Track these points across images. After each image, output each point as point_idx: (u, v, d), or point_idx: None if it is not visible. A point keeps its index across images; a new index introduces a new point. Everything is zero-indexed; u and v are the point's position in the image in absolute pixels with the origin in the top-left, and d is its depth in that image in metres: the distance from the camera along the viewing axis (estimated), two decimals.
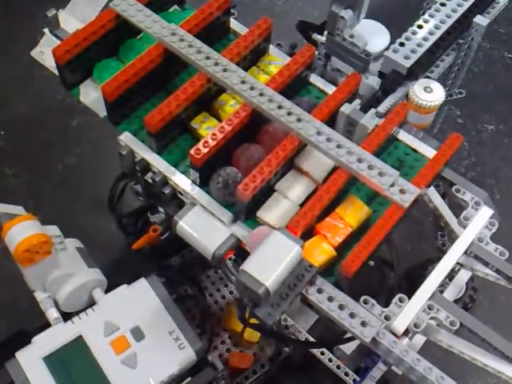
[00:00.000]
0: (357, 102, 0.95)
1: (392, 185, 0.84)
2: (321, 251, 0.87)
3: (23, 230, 0.88)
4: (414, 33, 1.00)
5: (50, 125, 1.69)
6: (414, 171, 0.97)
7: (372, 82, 1.01)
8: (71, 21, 1.14)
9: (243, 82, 0.91)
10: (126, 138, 0.98)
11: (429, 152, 0.98)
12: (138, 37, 1.06)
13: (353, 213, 0.90)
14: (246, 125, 0.92)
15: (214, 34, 1.05)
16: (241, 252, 0.91)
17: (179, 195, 0.97)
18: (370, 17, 1.09)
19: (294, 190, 0.92)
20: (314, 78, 1.05)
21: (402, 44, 0.98)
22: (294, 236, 0.82)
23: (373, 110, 0.94)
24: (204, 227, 0.90)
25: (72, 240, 1.01)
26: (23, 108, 1.71)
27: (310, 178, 0.93)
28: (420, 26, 1.01)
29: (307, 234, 0.88)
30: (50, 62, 1.19)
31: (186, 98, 0.93)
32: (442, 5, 1.03)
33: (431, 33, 1.00)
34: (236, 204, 0.90)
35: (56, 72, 1.14)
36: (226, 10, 1.05)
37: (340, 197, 0.91)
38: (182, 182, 0.95)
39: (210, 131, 0.94)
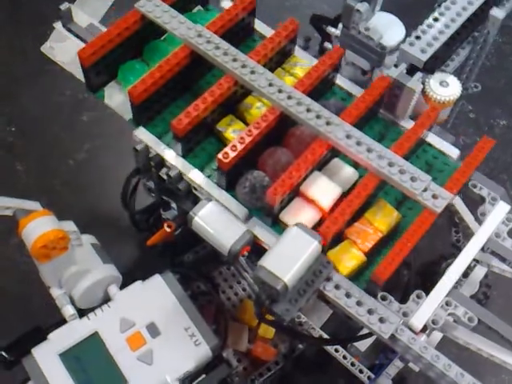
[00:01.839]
0: (403, 66, 0.94)
1: (424, 190, 0.83)
2: (350, 257, 0.86)
3: (40, 226, 0.88)
4: (429, 26, 0.98)
5: (60, 120, 1.68)
6: (443, 175, 0.96)
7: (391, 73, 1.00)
8: (81, 15, 1.14)
9: (271, 85, 0.90)
10: (140, 133, 0.98)
11: (454, 154, 0.98)
12: (162, 38, 1.05)
13: (382, 218, 0.89)
14: (273, 128, 0.91)
15: (238, 35, 1.04)
16: (256, 248, 0.91)
17: (194, 191, 0.97)
18: (385, 9, 1.08)
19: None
20: (340, 80, 1.04)
21: (417, 37, 0.97)
22: (312, 231, 0.81)
23: (419, 74, 0.94)
24: (220, 223, 0.89)
25: (87, 236, 1.01)
26: (33, 104, 1.71)
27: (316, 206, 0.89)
28: (436, 19, 0.99)
29: (335, 239, 0.87)
30: (59, 57, 1.18)
31: (214, 100, 0.92)
32: None
33: (447, 26, 0.99)
34: (262, 208, 0.89)
35: (66, 67, 1.14)
36: (252, 10, 1.04)
37: (368, 201, 0.89)
38: (198, 177, 0.94)
39: (235, 134, 0.94)
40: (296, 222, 0.85)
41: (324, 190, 0.88)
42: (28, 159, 1.62)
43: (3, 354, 0.93)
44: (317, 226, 0.86)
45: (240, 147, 0.87)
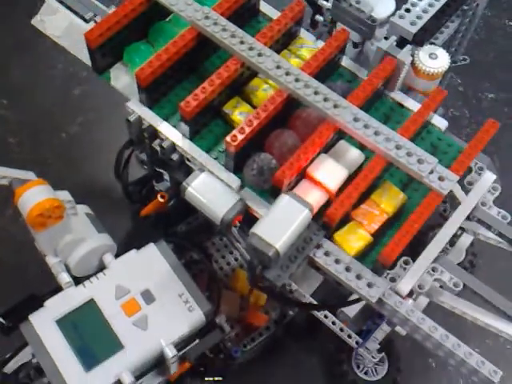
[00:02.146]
0: (393, 38, 0.95)
1: (431, 172, 0.84)
2: (357, 237, 0.87)
3: (36, 195, 0.89)
4: None
5: (52, 94, 1.68)
6: (447, 157, 0.97)
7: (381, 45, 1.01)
8: None
9: (278, 67, 0.90)
10: (133, 104, 0.99)
11: (443, 126, 1.00)
12: (167, 19, 1.05)
13: (388, 200, 0.90)
14: (280, 110, 0.92)
15: (244, 16, 1.04)
16: (248, 218, 0.93)
17: (187, 162, 0.99)
18: None
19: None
20: (346, 62, 1.04)
21: (407, 10, 0.98)
22: (303, 200, 0.83)
23: (409, 46, 0.94)
24: (212, 193, 0.91)
25: (82, 206, 1.03)
26: (24, 77, 1.70)
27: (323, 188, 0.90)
28: None
29: (342, 221, 0.88)
30: (50, 31, 1.18)
31: (221, 83, 0.92)
32: None
33: None
34: (270, 190, 0.89)
35: (57, 40, 1.14)
36: None
37: (374, 183, 0.90)
38: (191, 148, 0.95)
39: (242, 116, 0.95)
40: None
41: (331, 172, 0.89)
42: (20, 132, 1.62)
43: (1, 320, 0.95)
44: (323, 208, 0.87)
45: (248, 130, 0.88)
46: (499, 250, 1.01)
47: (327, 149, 0.92)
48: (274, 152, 0.91)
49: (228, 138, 0.87)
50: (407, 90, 1.04)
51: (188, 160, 0.98)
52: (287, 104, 0.92)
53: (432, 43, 1.08)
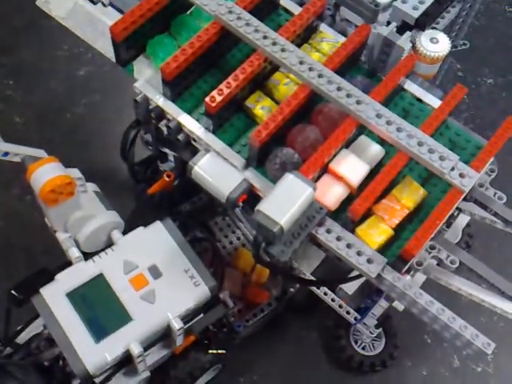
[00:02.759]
0: (393, 25, 0.97)
1: (452, 169, 0.86)
2: (379, 232, 0.88)
3: (48, 172, 0.91)
4: None
5: (58, 74, 1.70)
6: (465, 152, 0.98)
7: (381, 31, 1.03)
8: None
9: (301, 63, 0.91)
10: (141, 85, 1.01)
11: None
12: (189, 12, 1.06)
13: (409, 195, 0.91)
14: (302, 105, 0.93)
15: (264, 9, 1.05)
16: (251, 198, 0.96)
17: (193, 142, 1.01)
18: None
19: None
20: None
21: None
22: (306, 179, 0.86)
23: (408, 33, 0.96)
24: (218, 172, 0.93)
25: (90, 184, 1.05)
26: (30, 58, 1.72)
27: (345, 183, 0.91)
28: None
29: (363, 215, 0.89)
30: (55, 12, 1.20)
31: (245, 78, 0.93)
32: None
33: None
34: None
35: (62, 22, 1.15)
36: None
37: (395, 178, 0.91)
38: (196, 128, 0.97)
39: (264, 111, 0.96)
40: (325, 198, 0.89)
41: (353, 167, 0.90)
42: (26, 112, 1.64)
43: (13, 292, 0.98)
44: (345, 203, 0.90)
45: (272, 125, 0.89)
46: (494, 231, 1.04)
47: (348, 144, 0.94)
48: (297, 147, 0.93)
49: (253, 133, 0.89)
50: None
51: (194, 140, 1.00)
52: (309, 99, 0.93)
53: (433, 28, 1.10)
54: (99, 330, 0.94)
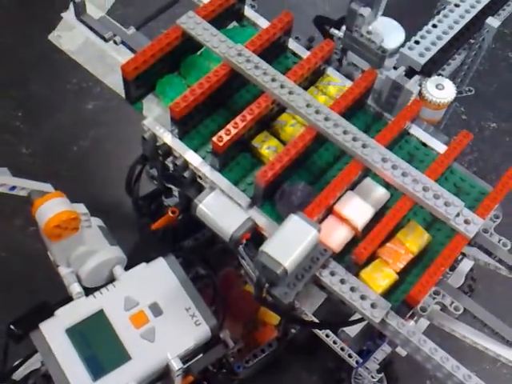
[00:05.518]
0: (402, 69, 0.98)
1: (457, 215, 0.86)
2: (384, 275, 0.89)
3: (54, 206, 0.91)
4: (428, 31, 1.04)
5: (66, 107, 1.72)
6: (470, 198, 0.98)
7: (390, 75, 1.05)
8: (89, 7, 1.18)
9: (308, 106, 0.93)
10: (149, 123, 1.03)
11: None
12: (198, 52, 1.08)
13: (414, 239, 0.91)
14: (308, 146, 0.95)
15: (273, 53, 1.07)
16: (255, 236, 0.96)
17: (199, 179, 1.01)
18: (386, 14, 1.13)
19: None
20: (371, 100, 1.06)
21: (417, 42, 1.02)
22: (311, 220, 0.86)
23: (417, 77, 0.97)
24: (223, 210, 0.94)
25: (95, 219, 1.05)
26: (40, 90, 1.74)
27: (349, 225, 0.92)
28: (434, 26, 1.04)
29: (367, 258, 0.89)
30: (66, 46, 1.22)
31: (252, 118, 0.95)
32: (456, 6, 1.07)
33: (445, 32, 1.04)
34: None
35: (72, 56, 1.18)
36: (288, 30, 1.07)
37: (399, 221, 0.91)
38: (203, 166, 0.98)
39: (270, 150, 0.98)
40: (329, 240, 0.89)
41: (358, 210, 0.91)
42: (34, 144, 1.65)
43: (12, 327, 0.96)
44: (348, 245, 0.90)
45: (278, 166, 0.91)
46: (497, 276, 1.03)
47: (353, 185, 0.94)
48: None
49: (259, 173, 0.90)
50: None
51: (200, 177, 1.01)
52: (316, 141, 0.95)
53: (439, 74, 1.12)
54: (97, 368, 0.92)
